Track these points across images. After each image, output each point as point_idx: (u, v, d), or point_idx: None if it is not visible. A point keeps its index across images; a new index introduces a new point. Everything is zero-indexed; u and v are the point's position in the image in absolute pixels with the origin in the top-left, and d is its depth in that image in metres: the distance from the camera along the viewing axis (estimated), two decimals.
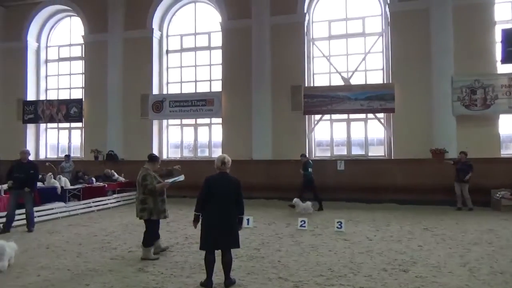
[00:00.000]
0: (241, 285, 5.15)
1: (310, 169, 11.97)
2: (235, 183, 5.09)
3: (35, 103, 17.28)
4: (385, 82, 14.04)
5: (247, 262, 6.21)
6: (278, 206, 12.43)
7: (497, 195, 11.51)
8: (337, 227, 8.54)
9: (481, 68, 12.92)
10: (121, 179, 14.63)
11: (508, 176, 11.79)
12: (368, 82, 14.21)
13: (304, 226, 8.78)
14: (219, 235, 4.99)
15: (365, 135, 14.41)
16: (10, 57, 17.62)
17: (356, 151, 14.51)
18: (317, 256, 6.53)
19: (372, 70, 14.46)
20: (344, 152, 14.53)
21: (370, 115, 14.16)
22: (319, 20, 15.04)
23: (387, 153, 14.08)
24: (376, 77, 14.38)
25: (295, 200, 11.19)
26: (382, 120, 14.15)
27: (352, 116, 14.34)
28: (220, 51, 15.52)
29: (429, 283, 5.16)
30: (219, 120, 15.38)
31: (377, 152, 14.40)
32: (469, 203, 11.40)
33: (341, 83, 14.34)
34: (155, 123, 16.10)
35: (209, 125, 15.95)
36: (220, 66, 15.46)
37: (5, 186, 8.58)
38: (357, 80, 14.36)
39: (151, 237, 6.48)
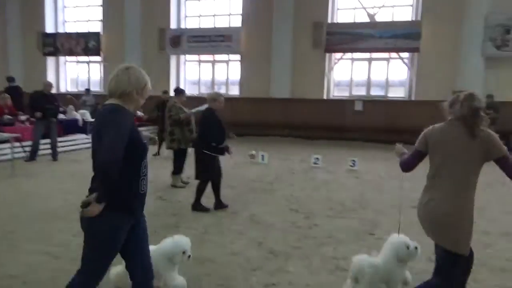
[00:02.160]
0: (255, 214, 5.40)
1: None
2: None
3: (54, 35, 17.20)
4: (413, 19, 13.29)
5: (261, 195, 6.45)
6: (293, 143, 12.56)
7: None
8: (350, 165, 8.65)
9: None
10: (140, 114, 14.85)
11: None
12: (395, 19, 13.49)
13: (318, 164, 8.92)
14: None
15: (386, 75, 13.99)
16: None
17: (376, 92, 14.20)
18: (328, 192, 6.72)
19: (400, 6, 13.64)
20: (363, 93, 14.26)
21: (393, 55, 13.63)
22: None
23: (407, 95, 13.74)
24: (404, 14, 13.60)
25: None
26: (406, 60, 13.63)
27: (374, 55, 13.84)
28: None
29: None
30: (237, 57, 15.10)
31: (397, 93, 14.06)
32: None
33: (366, 19, 13.66)
34: (173, 58, 15.95)
35: (227, 61, 15.71)
36: (240, 0, 14.85)
37: (38, 114, 8.77)
38: (383, 17, 13.63)
39: (180, 165, 6.80)
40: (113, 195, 2.20)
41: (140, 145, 2.31)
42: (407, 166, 2.95)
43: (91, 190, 2.29)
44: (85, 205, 2.18)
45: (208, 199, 5.75)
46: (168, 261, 3.10)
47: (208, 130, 5.31)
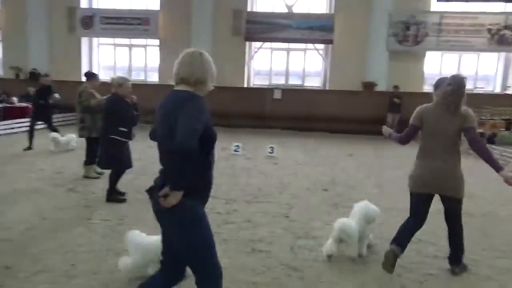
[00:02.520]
0: None
1: None
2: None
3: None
4: (327, 12, 14.01)
5: None
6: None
7: None
8: (269, 152, 8.96)
9: (417, 4, 13.34)
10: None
11: None
12: (311, 12, 14.09)
13: (238, 151, 9.08)
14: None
15: (303, 65, 14.63)
16: None
17: (294, 81, 14.79)
18: (248, 178, 6.90)
19: None
20: (282, 82, 14.75)
21: (309, 46, 14.26)
22: None
23: (322, 84, 14.53)
24: (319, 7, 14.27)
25: None
26: (321, 51, 14.36)
27: (292, 46, 14.35)
28: None
29: (346, 199, 5.75)
30: (156, 42, 14.58)
31: (314, 83, 14.81)
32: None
33: (284, 10, 14.07)
34: (85, 41, 14.87)
35: (145, 46, 15.09)
36: None
37: None
38: (300, 8, 14.16)
39: (92, 155, 6.37)
40: (190, 183, 2.12)
41: (213, 134, 2.24)
42: (407, 138, 3.59)
43: (159, 183, 2.22)
44: (162, 196, 2.11)
45: (129, 189, 5.56)
46: None
47: (115, 115, 5.10)
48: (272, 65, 14.76)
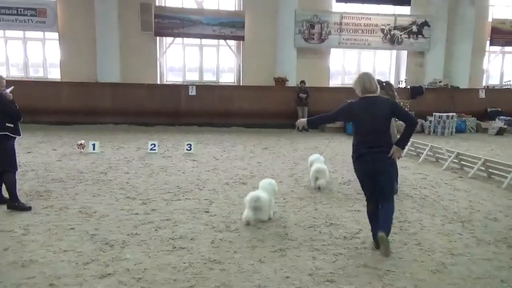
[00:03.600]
0: (86, 207, 5.05)
1: None
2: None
3: None
4: (236, 9, 14.23)
5: (92, 186, 6.04)
6: (127, 130, 12.05)
7: None
8: (187, 149, 8.88)
9: (320, 4, 14.24)
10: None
11: (335, 103, 13.75)
12: (221, 8, 14.18)
13: (155, 150, 8.85)
14: None
15: (217, 61, 14.69)
16: None
17: (208, 78, 14.79)
18: (165, 176, 6.78)
19: None
20: (197, 78, 14.66)
21: (222, 43, 14.37)
22: None
23: (236, 80, 14.76)
24: (228, 4, 14.42)
25: None
26: (233, 48, 14.56)
27: (204, 42, 14.32)
28: None
29: None
30: (55, 35, 13.42)
31: (228, 79, 14.97)
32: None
33: (194, 6, 13.95)
34: None
35: (43, 40, 13.80)
36: None
37: None
38: (209, 4, 14.16)
39: None
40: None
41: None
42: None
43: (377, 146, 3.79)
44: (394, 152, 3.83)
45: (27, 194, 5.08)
46: None
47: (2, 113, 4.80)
48: (186, 61, 14.57)
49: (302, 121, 4.40)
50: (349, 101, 4.35)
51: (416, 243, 4.16)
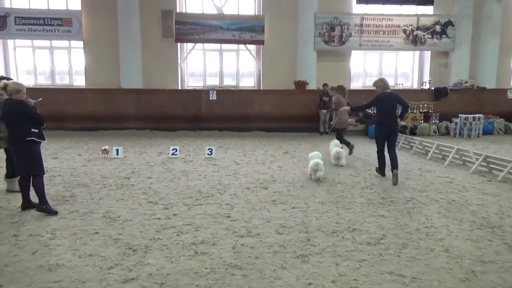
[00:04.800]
0: (110, 211, 5.13)
1: None
2: None
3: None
4: (256, 13, 14.28)
5: (116, 191, 6.14)
6: (150, 136, 12.24)
7: None
8: (208, 154, 8.93)
9: (340, 6, 14.11)
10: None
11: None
12: (240, 13, 14.26)
13: (176, 154, 8.94)
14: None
15: (237, 66, 14.76)
16: None
17: (228, 82, 14.87)
18: (187, 181, 6.82)
19: (244, 1, 14.48)
20: (217, 83, 14.76)
21: (242, 47, 14.43)
22: None
23: (256, 84, 14.78)
24: (248, 8, 14.49)
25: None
26: (253, 52, 14.60)
27: (224, 46, 14.42)
28: None
29: (284, 196, 5.94)
30: (80, 43, 13.80)
31: (248, 83, 15.01)
32: (327, 127, 13.06)
33: (214, 11, 14.08)
34: None
35: (68, 48, 14.21)
36: None
37: None
38: (229, 9, 14.26)
39: (13, 166, 5.86)
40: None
41: None
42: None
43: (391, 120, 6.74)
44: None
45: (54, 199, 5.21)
46: None
47: (24, 118, 4.95)
48: (206, 66, 14.71)
49: (346, 108, 7.69)
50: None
51: (444, 250, 4.03)
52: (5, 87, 5.03)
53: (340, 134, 8.94)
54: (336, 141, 8.39)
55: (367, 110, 10.94)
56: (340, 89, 8.91)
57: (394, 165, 6.60)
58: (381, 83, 6.85)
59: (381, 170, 7.10)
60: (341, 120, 8.73)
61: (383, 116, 6.79)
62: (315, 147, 10.65)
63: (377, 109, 6.99)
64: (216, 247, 4.06)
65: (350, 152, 8.99)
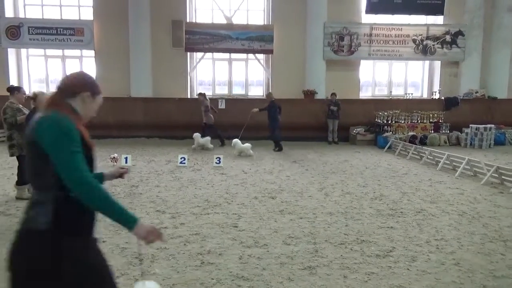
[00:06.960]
0: None
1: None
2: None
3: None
4: (265, 23, 14.36)
5: (124, 199, 6.16)
6: (158, 144, 12.30)
7: (354, 131, 13.30)
8: (216, 163, 8.93)
9: (350, 16, 14.13)
10: None
11: (365, 115, 13.62)
12: (249, 23, 14.36)
13: (184, 163, 8.96)
14: None
15: (246, 75, 14.82)
16: None
17: (237, 91, 14.92)
18: (195, 190, 6.82)
19: (254, 10, 14.59)
20: (226, 92, 14.83)
21: (251, 56, 14.50)
22: None
23: (265, 93, 14.77)
24: (257, 18, 14.59)
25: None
26: (262, 61, 14.65)
27: (233, 56, 14.50)
28: None
29: (292, 206, 5.90)
30: (92, 52, 14.00)
31: (257, 92, 15.04)
32: (335, 136, 13.02)
33: (223, 21, 14.20)
34: (11, 52, 13.89)
35: (80, 57, 14.42)
36: None
37: None
38: (238, 19, 14.37)
39: (25, 174, 5.93)
40: None
41: None
42: None
43: None
44: None
45: None
46: None
47: None
48: (215, 75, 14.79)
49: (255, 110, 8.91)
50: None
51: (454, 263, 3.95)
52: (35, 98, 5.12)
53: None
54: (236, 140, 10.77)
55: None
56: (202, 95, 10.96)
57: None
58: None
59: None
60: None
61: None
62: (323, 156, 10.60)
63: None
64: (222, 258, 4.02)
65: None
